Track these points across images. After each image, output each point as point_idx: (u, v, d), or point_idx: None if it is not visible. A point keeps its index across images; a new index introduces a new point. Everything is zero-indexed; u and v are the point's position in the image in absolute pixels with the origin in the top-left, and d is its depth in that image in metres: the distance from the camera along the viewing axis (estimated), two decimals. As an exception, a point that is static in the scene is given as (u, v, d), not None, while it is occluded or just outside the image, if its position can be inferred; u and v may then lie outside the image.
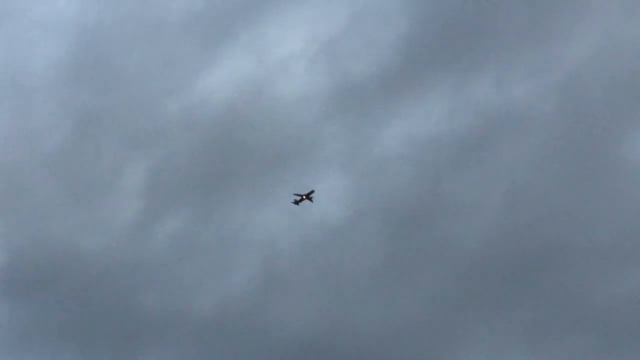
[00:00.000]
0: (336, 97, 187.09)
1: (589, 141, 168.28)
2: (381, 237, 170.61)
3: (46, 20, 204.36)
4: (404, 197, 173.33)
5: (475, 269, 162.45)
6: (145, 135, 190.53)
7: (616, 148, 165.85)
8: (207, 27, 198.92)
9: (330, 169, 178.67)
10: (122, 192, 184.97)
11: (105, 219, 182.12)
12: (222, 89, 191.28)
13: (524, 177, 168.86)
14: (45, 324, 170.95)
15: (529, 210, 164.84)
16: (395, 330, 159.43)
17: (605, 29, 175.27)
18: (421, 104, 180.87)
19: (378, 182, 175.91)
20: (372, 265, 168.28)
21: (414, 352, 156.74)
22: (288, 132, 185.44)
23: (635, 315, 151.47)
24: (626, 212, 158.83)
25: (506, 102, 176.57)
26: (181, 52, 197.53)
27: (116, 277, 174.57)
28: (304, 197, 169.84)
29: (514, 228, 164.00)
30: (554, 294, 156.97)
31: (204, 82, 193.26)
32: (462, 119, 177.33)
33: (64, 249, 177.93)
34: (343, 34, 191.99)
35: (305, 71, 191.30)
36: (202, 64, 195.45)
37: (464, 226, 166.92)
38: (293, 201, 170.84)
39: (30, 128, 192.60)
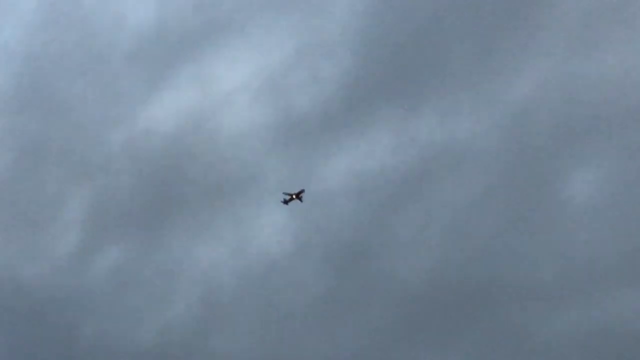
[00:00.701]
0: (280, 130, 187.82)
1: (531, 179, 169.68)
2: (323, 271, 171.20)
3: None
4: (346, 231, 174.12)
5: (417, 303, 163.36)
6: (87, 165, 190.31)
7: (558, 187, 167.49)
8: (152, 58, 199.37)
9: (272, 202, 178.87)
10: (64, 222, 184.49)
11: (46, 248, 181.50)
12: (166, 120, 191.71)
13: (465, 213, 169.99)
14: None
15: (470, 246, 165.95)
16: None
17: (550, 67, 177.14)
18: (365, 139, 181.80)
19: (320, 215, 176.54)
20: (314, 298, 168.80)
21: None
22: (231, 165, 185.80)
23: (575, 352, 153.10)
24: (567, 250, 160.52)
25: (449, 138, 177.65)
26: (126, 83, 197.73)
27: (56, 307, 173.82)
28: (294, 196, 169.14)
29: (455, 263, 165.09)
30: (495, 330, 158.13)
31: (148, 113, 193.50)
32: (406, 154, 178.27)
33: (3, 278, 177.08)
34: (287, 68, 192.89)
35: (249, 104, 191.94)
36: (146, 95, 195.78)
37: (405, 260, 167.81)
38: (282, 200, 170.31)
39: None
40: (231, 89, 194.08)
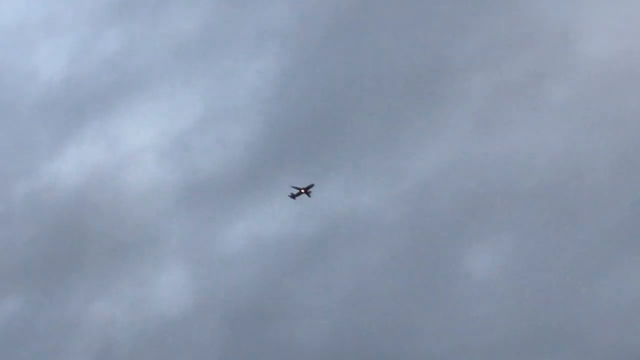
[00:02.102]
0: (184, 192, 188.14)
1: (431, 253, 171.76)
2: (221, 334, 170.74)
3: None
4: (245, 295, 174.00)
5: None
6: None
7: (457, 262, 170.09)
8: (59, 112, 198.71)
9: (173, 263, 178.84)
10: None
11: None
12: (71, 175, 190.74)
13: (365, 283, 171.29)
14: None
15: (368, 315, 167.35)
16: None
17: (454, 144, 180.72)
18: (268, 204, 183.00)
19: (221, 278, 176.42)
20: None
21: None
22: (134, 224, 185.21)
23: None
24: (463, 324, 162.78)
25: (353, 208, 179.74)
26: (33, 135, 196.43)
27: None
28: (303, 190, 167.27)
29: (353, 331, 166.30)
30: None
31: (53, 166, 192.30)
32: (309, 222, 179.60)
33: None
34: (195, 130, 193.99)
35: (154, 164, 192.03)
36: (52, 148, 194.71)
37: (304, 326, 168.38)
38: (290, 195, 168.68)
39: None
40: (138, 147, 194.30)
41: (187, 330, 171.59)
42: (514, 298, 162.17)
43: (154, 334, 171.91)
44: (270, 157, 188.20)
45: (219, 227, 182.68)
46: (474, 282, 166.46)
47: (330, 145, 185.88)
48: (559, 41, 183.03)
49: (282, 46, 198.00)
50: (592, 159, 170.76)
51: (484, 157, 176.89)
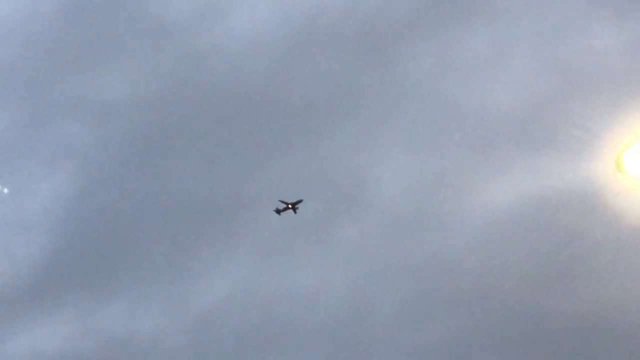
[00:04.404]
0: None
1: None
2: None
3: None
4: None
5: None
6: None
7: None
8: None
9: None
10: None
11: None
12: None
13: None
14: None
15: None
16: None
17: (242, 275, 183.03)
18: (50, 322, 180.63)
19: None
20: None
21: None
22: None
23: None
24: None
25: (134, 332, 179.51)
26: None
27: None
28: (290, 205, 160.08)
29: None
30: None
31: None
32: (88, 342, 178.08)
33: None
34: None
35: None
36: None
37: None
38: (275, 209, 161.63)
39: None
40: None
41: None
42: None
43: None
44: (57, 274, 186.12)
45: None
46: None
47: (117, 268, 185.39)
48: (351, 185, 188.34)
49: (76, 166, 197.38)
50: (373, 303, 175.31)
51: (269, 291, 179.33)
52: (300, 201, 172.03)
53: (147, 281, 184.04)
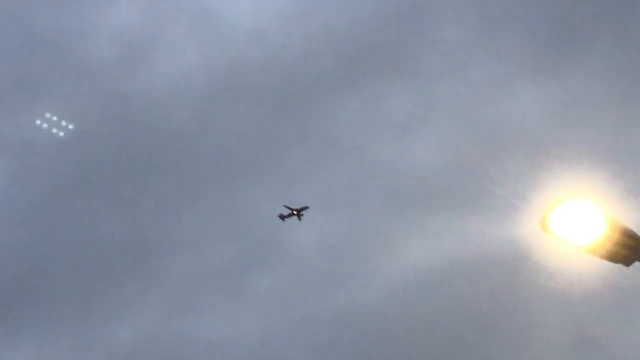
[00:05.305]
0: None
1: None
2: None
3: None
4: None
5: None
6: None
7: None
8: None
9: None
10: None
11: None
12: None
13: None
14: None
15: None
16: None
17: (149, 321, 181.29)
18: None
19: None
20: None
21: None
22: None
23: None
24: None
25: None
26: None
27: None
28: (295, 212, 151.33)
29: None
30: None
31: None
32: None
33: None
34: None
35: None
36: None
37: None
38: (279, 215, 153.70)
39: None
40: None
41: None
42: None
43: None
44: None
45: None
46: None
47: (24, 308, 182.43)
48: (266, 235, 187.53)
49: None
50: (284, 353, 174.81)
51: (177, 338, 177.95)
52: (305, 208, 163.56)
53: (54, 322, 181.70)
